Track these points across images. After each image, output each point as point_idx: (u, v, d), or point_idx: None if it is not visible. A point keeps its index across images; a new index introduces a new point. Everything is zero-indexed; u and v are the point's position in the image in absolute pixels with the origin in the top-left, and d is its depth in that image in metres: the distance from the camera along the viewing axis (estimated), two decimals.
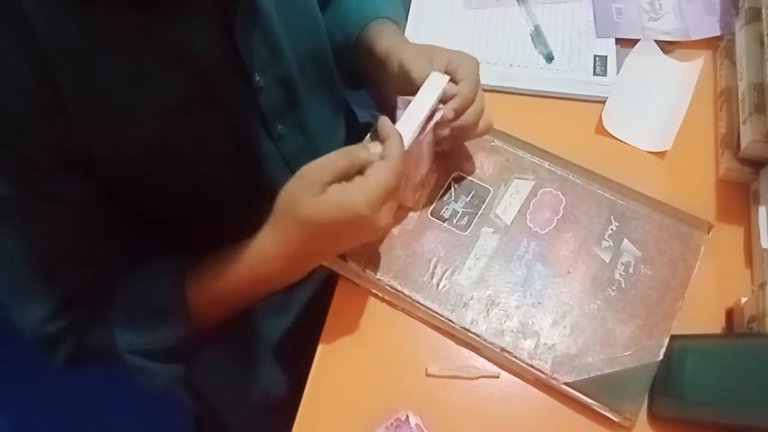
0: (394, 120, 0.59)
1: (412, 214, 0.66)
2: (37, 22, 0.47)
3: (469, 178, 0.69)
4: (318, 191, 0.52)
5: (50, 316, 0.58)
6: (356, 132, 0.83)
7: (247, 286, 0.59)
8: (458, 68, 0.61)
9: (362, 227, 0.53)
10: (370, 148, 0.55)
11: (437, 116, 0.59)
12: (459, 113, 0.60)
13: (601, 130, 0.75)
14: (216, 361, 0.79)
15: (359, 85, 0.80)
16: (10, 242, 0.55)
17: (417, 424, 0.57)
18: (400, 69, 0.63)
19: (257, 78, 0.61)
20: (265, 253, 0.56)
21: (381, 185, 0.51)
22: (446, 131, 0.61)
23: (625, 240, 0.65)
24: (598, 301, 0.62)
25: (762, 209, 0.65)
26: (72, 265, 0.58)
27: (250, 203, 0.66)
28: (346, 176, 0.53)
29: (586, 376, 0.58)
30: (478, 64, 0.63)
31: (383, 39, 0.69)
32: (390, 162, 0.53)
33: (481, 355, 0.61)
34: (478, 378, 0.60)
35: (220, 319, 0.62)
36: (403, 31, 0.79)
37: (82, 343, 0.60)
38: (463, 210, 0.67)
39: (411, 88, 0.60)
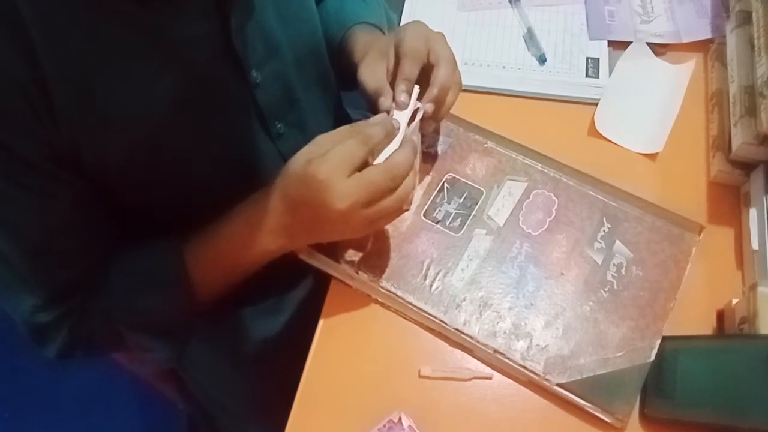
0: None
1: (404, 216, 0.66)
2: (28, 16, 0.47)
3: (462, 179, 0.69)
4: (314, 153, 0.53)
5: (42, 305, 0.58)
6: None
7: (243, 246, 0.59)
8: (398, 49, 0.60)
9: (320, 192, 0.52)
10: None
11: (418, 116, 0.60)
12: (440, 101, 0.60)
13: (593, 132, 0.75)
14: (208, 363, 0.79)
15: (353, 86, 0.80)
16: (0, 235, 0.55)
17: (410, 426, 0.57)
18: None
19: (254, 74, 0.61)
20: (267, 208, 0.57)
21: (348, 153, 0.52)
22: (431, 128, 0.60)
23: (617, 241, 0.65)
24: (591, 303, 0.62)
25: (753, 211, 0.66)
26: (62, 257, 0.58)
27: None
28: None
29: (579, 377, 0.58)
30: (418, 26, 0.62)
31: (358, 47, 0.69)
32: (361, 137, 0.54)
33: (474, 357, 0.61)
34: (470, 379, 0.60)
35: (220, 284, 0.63)
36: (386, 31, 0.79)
37: (79, 330, 0.60)
38: (456, 211, 0.67)
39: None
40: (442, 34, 0.63)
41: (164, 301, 0.61)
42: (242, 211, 0.60)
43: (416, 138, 0.62)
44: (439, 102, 0.60)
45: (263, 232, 0.58)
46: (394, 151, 0.55)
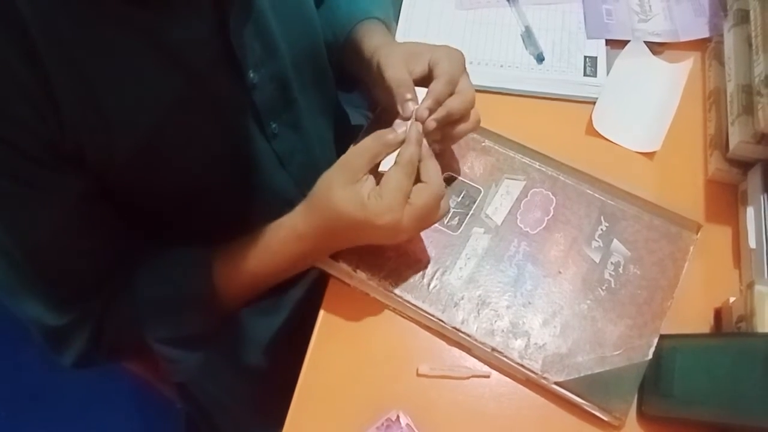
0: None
1: None
2: (28, 16, 0.47)
3: (460, 178, 0.69)
4: (354, 178, 0.55)
5: (52, 307, 0.58)
6: (348, 133, 0.83)
7: (276, 263, 0.61)
8: (436, 66, 0.61)
9: (385, 231, 0.56)
10: (397, 128, 0.58)
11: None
12: (433, 109, 0.59)
13: (591, 130, 0.75)
14: (206, 362, 0.79)
15: (352, 86, 0.80)
16: (5, 235, 0.54)
17: (408, 424, 0.57)
18: (378, 71, 0.62)
19: (251, 75, 0.61)
20: (299, 231, 0.59)
21: (399, 190, 0.55)
22: (432, 125, 0.60)
23: (615, 240, 0.65)
24: (588, 301, 0.62)
25: (750, 210, 0.66)
26: (70, 257, 0.58)
27: (245, 201, 0.66)
28: (380, 158, 0.57)
29: (577, 376, 0.58)
30: (460, 57, 0.62)
31: (370, 39, 0.68)
32: (402, 167, 0.56)
33: (472, 355, 0.61)
34: (468, 378, 0.60)
35: (245, 300, 0.64)
36: (394, 32, 0.79)
37: (100, 337, 0.60)
38: (454, 210, 0.67)
39: (387, 90, 0.60)
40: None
41: (193, 318, 0.61)
42: (280, 241, 0.60)
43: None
44: (431, 109, 0.60)
45: (301, 261, 0.61)
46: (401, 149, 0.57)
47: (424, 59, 0.61)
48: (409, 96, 0.59)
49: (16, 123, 0.49)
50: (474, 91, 0.62)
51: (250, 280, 0.62)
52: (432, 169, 0.57)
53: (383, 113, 0.68)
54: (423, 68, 0.61)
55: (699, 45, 0.81)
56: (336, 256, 0.63)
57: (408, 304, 0.62)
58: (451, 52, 0.62)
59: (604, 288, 0.63)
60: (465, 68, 0.62)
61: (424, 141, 0.58)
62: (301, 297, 0.78)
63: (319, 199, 0.57)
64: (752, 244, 0.64)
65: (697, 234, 0.66)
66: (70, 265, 0.58)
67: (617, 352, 0.59)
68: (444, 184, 0.58)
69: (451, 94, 0.61)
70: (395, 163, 0.56)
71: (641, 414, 0.58)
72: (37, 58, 0.48)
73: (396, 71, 0.60)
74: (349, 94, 0.84)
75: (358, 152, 0.56)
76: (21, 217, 0.54)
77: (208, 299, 0.60)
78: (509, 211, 0.67)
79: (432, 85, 0.60)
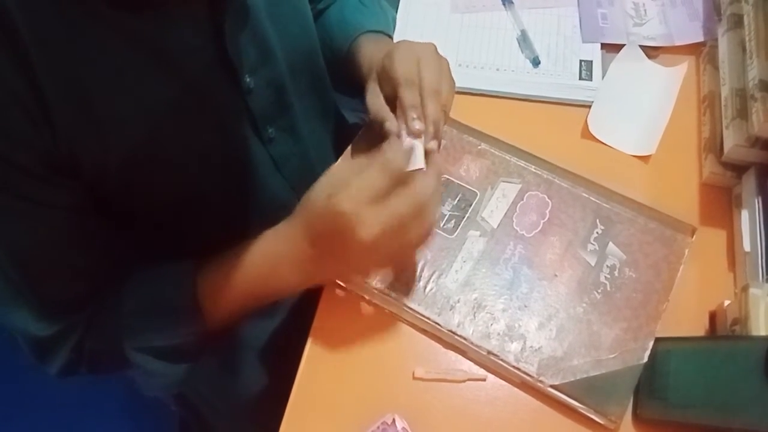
0: None
1: None
2: (19, 22, 0.47)
3: (456, 181, 0.69)
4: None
5: (41, 320, 0.57)
6: (345, 134, 0.83)
7: (262, 278, 0.59)
8: (394, 76, 0.60)
9: (346, 225, 0.51)
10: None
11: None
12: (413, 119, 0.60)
13: (586, 134, 0.75)
14: (201, 365, 0.78)
15: (355, 93, 0.80)
16: None
17: (404, 428, 0.57)
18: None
19: (247, 80, 0.61)
20: (279, 231, 0.57)
21: (371, 184, 0.51)
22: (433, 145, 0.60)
23: (611, 243, 0.65)
24: (584, 304, 0.62)
25: (744, 213, 0.66)
26: (59, 270, 0.57)
27: (241, 206, 0.66)
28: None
29: (572, 379, 0.58)
30: (413, 54, 0.61)
31: (364, 61, 0.70)
32: (381, 165, 0.52)
33: (468, 358, 0.61)
34: (464, 381, 0.60)
35: (232, 314, 0.62)
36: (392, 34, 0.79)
37: (82, 348, 0.60)
38: (450, 213, 0.67)
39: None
40: (432, 47, 0.63)
41: (174, 328, 0.60)
42: (261, 245, 0.59)
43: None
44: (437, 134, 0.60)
45: (282, 267, 0.58)
46: (420, 175, 0.53)
47: (381, 77, 0.62)
48: (393, 125, 0.60)
49: (7, 133, 0.49)
50: (435, 69, 0.61)
51: (234, 299, 0.60)
52: (420, 175, 0.54)
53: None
54: (390, 85, 0.62)
55: (693, 49, 0.82)
56: None
57: (404, 308, 0.62)
58: (397, 51, 0.62)
59: (599, 291, 0.63)
60: (420, 53, 0.61)
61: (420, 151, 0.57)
62: (296, 301, 0.78)
63: (306, 210, 0.55)
64: (747, 247, 0.64)
65: (691, 237, 0.66)
66: (60, 278, 0.58)
67: (613, 355, 0.59)
68: (434, 193, 0.53)
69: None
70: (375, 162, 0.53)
71: (636, 417, 0.58)
72: (29, 64, 0.48)
73: (373, 107, 0.62)
74: (351, 98, 0.84)
75: (343, 165, 0.56)
76: (12, 230, 0.54)
77: (188, 314, 0.59)
78: (505, 214, 0.67)
79: (400, 98, 0.60)
